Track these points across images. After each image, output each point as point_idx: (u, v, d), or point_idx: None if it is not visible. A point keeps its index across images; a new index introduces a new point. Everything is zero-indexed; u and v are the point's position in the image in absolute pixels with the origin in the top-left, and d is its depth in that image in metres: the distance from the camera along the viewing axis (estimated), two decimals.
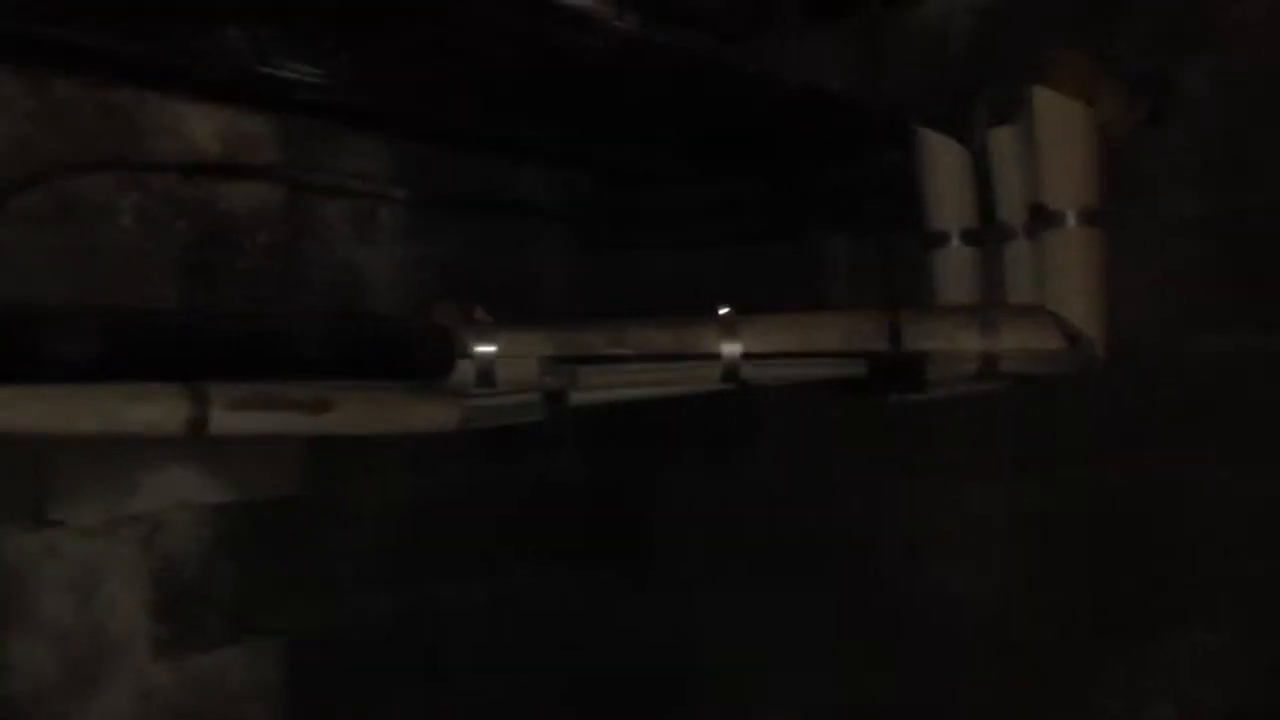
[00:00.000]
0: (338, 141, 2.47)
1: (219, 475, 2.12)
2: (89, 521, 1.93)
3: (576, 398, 1.86)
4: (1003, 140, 2.03)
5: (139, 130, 2.14)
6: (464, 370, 1.79)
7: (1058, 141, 1.93)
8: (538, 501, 2.75)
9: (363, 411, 1.75)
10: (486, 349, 1.78)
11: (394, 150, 2.56)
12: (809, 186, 2.62)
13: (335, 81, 2.17)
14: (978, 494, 2.36)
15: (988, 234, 2.07)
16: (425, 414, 1.82)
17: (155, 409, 1.55)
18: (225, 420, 1.62)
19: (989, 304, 2.00)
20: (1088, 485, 2.21)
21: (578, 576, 2.73)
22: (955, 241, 2.08)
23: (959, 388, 1.92)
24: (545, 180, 2.97)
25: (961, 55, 2.37)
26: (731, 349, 1.79)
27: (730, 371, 1.80)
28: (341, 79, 2.17)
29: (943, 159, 2.11)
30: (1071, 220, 1.89)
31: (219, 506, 2.12)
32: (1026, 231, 1.98)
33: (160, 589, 2.04)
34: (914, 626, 2.42)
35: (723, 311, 1.81)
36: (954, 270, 2.08)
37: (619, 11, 2.16)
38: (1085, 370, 1.91)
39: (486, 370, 1.78)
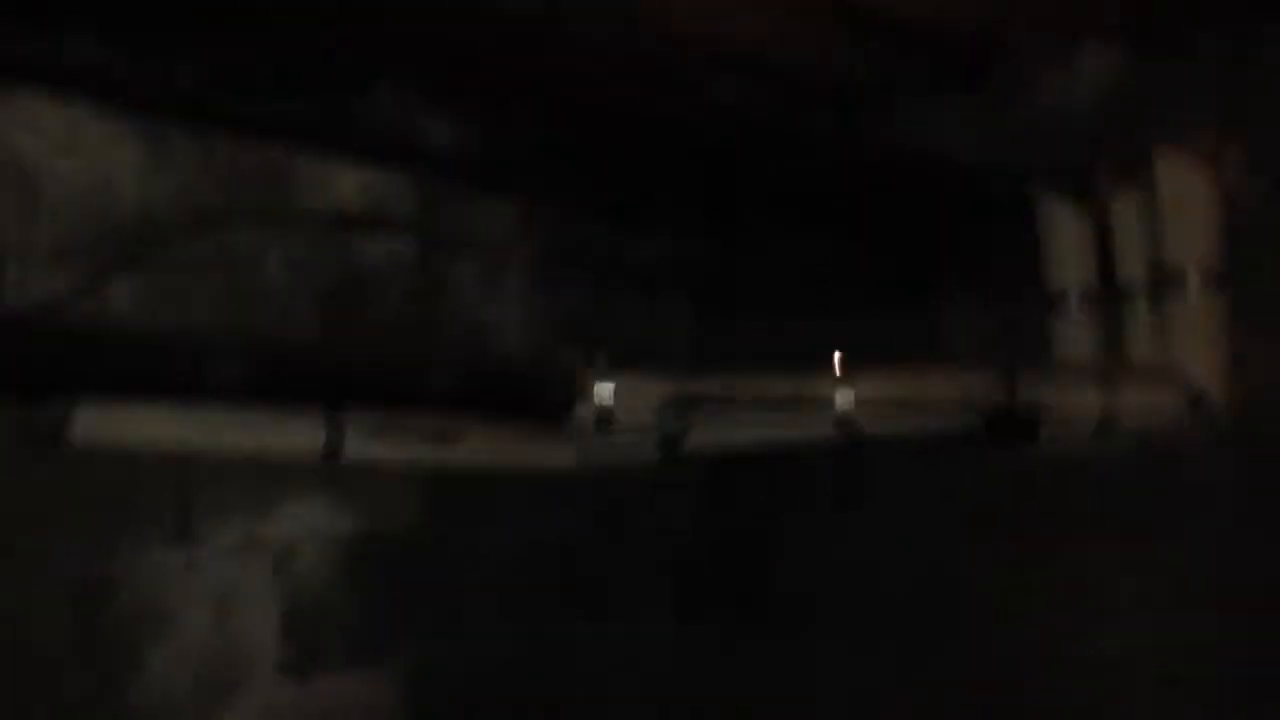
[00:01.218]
0: (469, 201, 2.59)
1: (347, 506, 2.21)
2: (227, 542, 2.03)
3: (692, 442, 1.90)
4: (1124, 205, 2.04)
5: (291, 185, 2.28)
6: (584, 411, 1.84)
7: (1180, 206, 1.93)
8: (655, 550, 2.78)
9: (487, 446, 1.83)
10: (606, 390, 1.84)
11: (522, 211, 2.67)
12: (934, 252, 2.65)
13: (470, 139, 2.30)
14: (1108, 558, 2.31)
15: (1108, 296, 2.07)
16: (546, 451, 1.89)
17: (295, 433, 1.65)
18: (359, 447, 1.71)
19: (1109, 362, 1.99)
20: (1223, 552, 2.15)
21: (693, 625, 2.75)
22: (1075, 303, 2.08)
23: (1078, 445, 1.91)
24: (668, 247, 3.06)
25: (1084, 124, 2.38)
26: (845, 397, 1.82)
27: (843, 420, 1.83)
28: (476, 137, 2.30)
29: (1064, 224, 2.13)
30: (1193, 281, 1.89)
31: (347, 536, 2.21)
32: (1147, 294, 1.97)
33: (289, 611, 2.12)
34: (1048, 689, 2.36)
35: (837, 359, 1.84)
36: (1074, 332, 2.08)
37: (734, 87, 2.23)
38: (1208, 431, 1.89)
39: (606, 411, 1.84)
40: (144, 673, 1.91)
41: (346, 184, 2.40)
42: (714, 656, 2.76)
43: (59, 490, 1.75)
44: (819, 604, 2.71)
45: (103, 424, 1.53)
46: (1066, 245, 2.12)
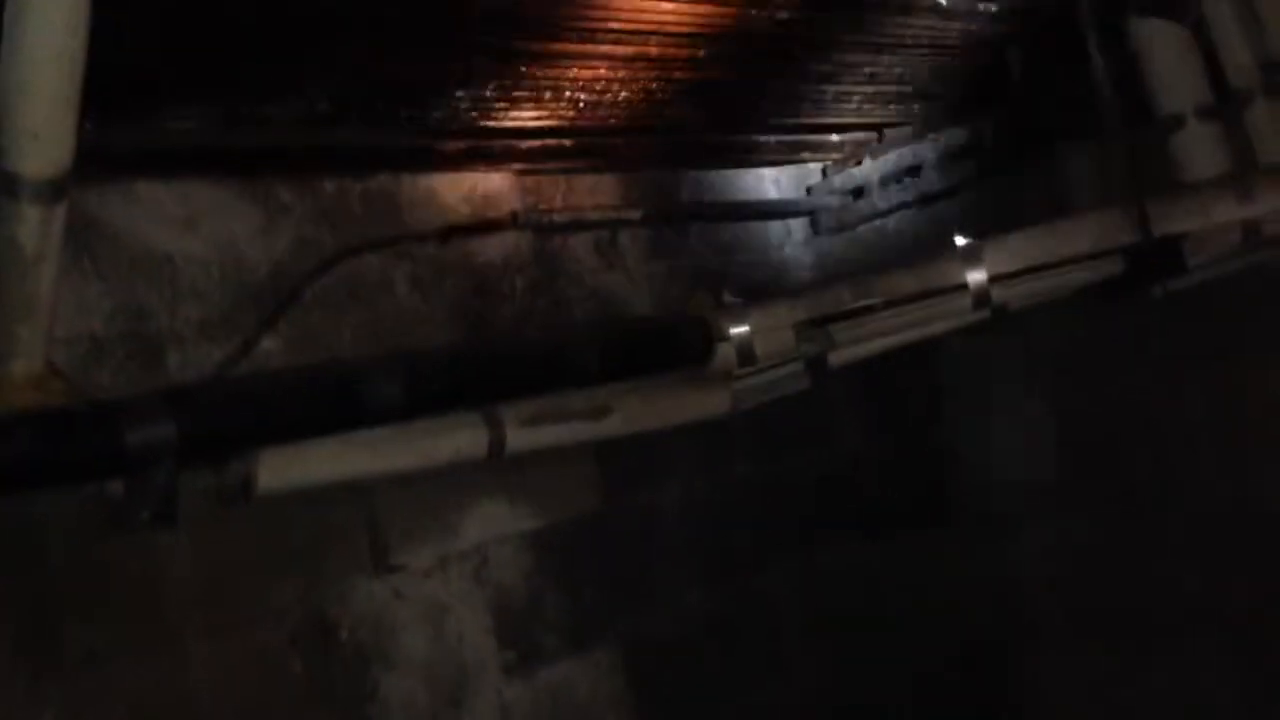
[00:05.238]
0: (569, 182, 2.62)
1: (526, 504, 2.28)
2: (424, 563, 2.12)
3: (836, 358, 1.90)
4: (1219, 7, 1.95)
5: (398, 208, 2.35)
6: (725, 352, 1.86)
7: None
8: (823, 484, 2.80)
9: (640, 409, 1.86)
10: (742, 328, 1.85)
11: (623, 179, 2.69)
12: (1039, 106, 2.57)
13: (555, 121, 2.33)
14: None
15: (1224, 104, 1.99)
16: (697, 401, 1.91)
17: (460, 437, 1.71)
18: (520, 437, 1.76)
19: (1240, 171, 1.92)
20: None
21: (879, 546, 2.75)
22: (1192, 120, 2.00)
23: (1228, 265, 1.85)
24: (774, 178, 3.06)
25: None
26: (977, 275, 1.80)
27: (980, 298, 1.81)
28: (565, 116, 2.33)
29: (1162, 41, 2.05)
30: None
31: (533, 533, 2.28)
32: (1264, 92, 1.89)
33: (498, 615, 2.20)
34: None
35: (960, 241, 1.82)
36: (1197, 149, 2.01)
37: None
38: None
39: (746, 348, 1.86)
40: (381, 699, 2.01)
41: (452, 196, 2.45)
42: (911, 569, 2.74)
43: (260, 542, 1.86)
44: (1002, 494, 2.68)
45: (282, 472, 1.61)
46: (1169, 63, 2.05)
